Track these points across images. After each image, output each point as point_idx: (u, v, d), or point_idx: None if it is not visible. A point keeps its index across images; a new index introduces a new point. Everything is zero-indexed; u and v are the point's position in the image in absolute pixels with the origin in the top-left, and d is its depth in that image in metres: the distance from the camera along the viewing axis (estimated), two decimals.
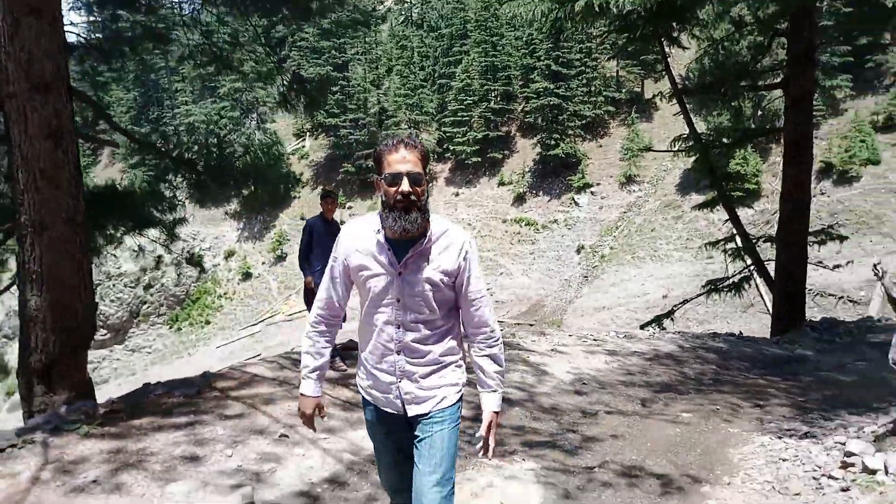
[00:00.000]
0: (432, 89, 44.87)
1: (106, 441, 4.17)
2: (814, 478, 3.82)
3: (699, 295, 13.25)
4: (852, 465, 3.77)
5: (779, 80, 11.01)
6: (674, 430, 4.97)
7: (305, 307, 6.52)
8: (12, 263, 7.38)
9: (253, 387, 5.32)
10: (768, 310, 16.54)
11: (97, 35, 6.53)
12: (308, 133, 49.58)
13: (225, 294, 42.32)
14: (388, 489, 2.74)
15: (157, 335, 41.47)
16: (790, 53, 10.08)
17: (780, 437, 4.62)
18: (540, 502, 3.69)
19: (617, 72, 40.04)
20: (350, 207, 43.28)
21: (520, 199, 38.17)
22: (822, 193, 28.63)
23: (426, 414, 2.48)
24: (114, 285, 40.17)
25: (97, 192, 6.96)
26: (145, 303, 41.19)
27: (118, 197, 7.01)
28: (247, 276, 42.56)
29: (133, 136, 7.56)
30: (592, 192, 36.55)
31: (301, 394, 2.60)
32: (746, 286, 13.06)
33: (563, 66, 37.66)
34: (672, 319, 12.91)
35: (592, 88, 38.94)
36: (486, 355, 2.52)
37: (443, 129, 42.04)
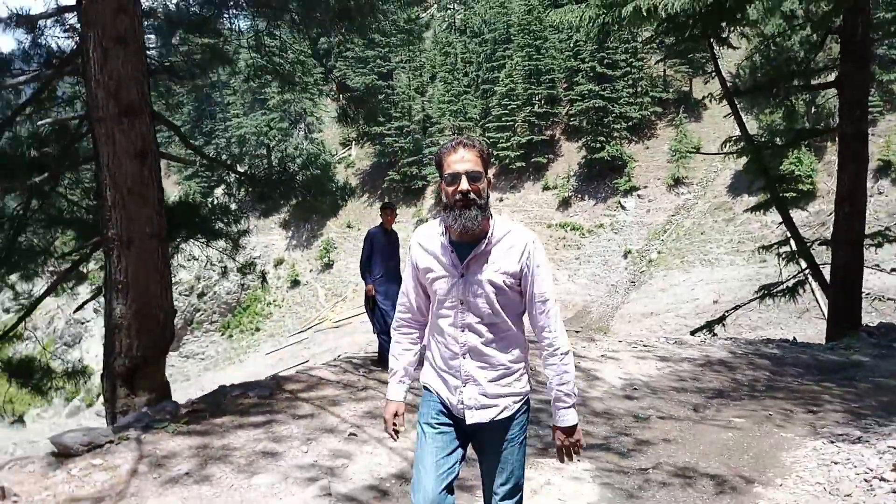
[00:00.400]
0: (476, 95, 45.09)
1: (192, 438, 4.51)
2: (865, 480, 3.87)
3: (752, 300, 13.04)
4: None
5: (833, 78, 10.82)
6: (726, 434, 5.03)
7: (367, 313, 6.81)
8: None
9: (319, 389, 5.62)
10: (824, 315, 16.13)
11: (170, 59, 6.98)
12: (354, 142, 50.38)
13: (274, 301, 43.26)
14: (426, 495, 2.43)
15: (209, 342, 42.63)
16: (843, 51, 9.90)
17: (832, 442, 4.65)
18: (596, 500, 3.83)
19: (664, 71, 39.46)
20: (396, 214, 43.75)
21: (565, 204, 37.99)
22: (880, 193, 27.84)
23: (486, 423, 2.45)
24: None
25: (172, 207, 7.39)
26: (199, 310, 42.45)
27: (191, 210, 7.48)
28: (295, 283, 43.44)
29: (205, 154, 8.03)
30: (639, 195, 36.11)
31: (386, 397, 2.60)
32: (801, 291, 12.79)
33: (608, 68, 37.38)
34: (724, 325, 12.74)
35: (639, 89, 38.50)
36: (549, 365, 2.47)
37: (487, 134, 42.14)
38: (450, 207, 2.37)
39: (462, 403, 2.45)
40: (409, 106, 45.81)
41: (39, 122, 6.50)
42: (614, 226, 35.69)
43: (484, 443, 2.53)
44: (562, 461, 2.54)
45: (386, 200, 7.62)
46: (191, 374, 39.75)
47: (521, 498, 2.56)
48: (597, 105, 37.19)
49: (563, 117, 41.45)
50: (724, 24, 10.29)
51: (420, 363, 2.63)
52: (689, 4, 8.36)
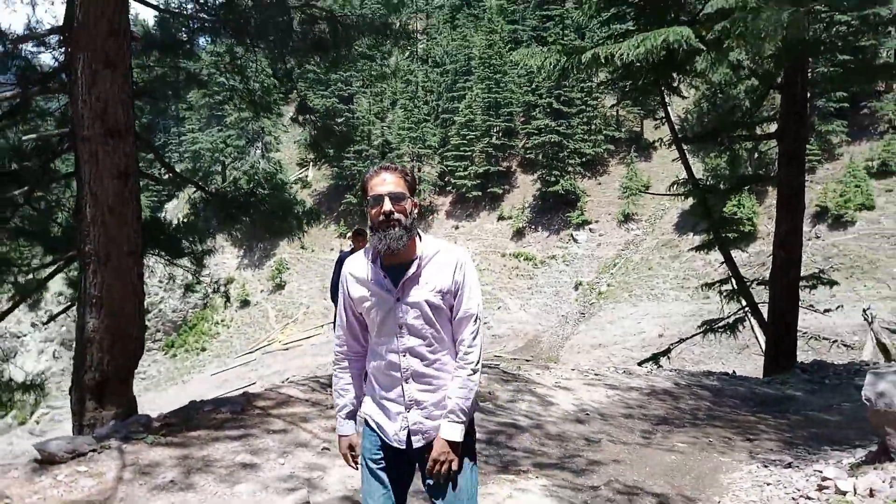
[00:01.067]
0: (435, 123, 45.80)
1: (172, 449, 4.65)
2: (793, 499, 4.24)
3: (695, 335, 13.65)
4: (827, 487, 4.21)
5: (774, 128, 11.61)
6: (670, 457, 5.41)
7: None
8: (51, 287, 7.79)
9: (289, 406, 5.80)
10: (762, 351, 16.94)
11: (148, 81, 7.10)
12: (312, 163, 50.27)
13: (222, 321, 42.33)
14: None
15: (152, 361, 41.27)
16: (784, 106, 10.68)
17: (766, 466, 5.05)
18: None
19: (617, 111, 41.00)
20: (349, 237, 43.67)
21: (519, 234, 38.75)
22: (817, 237, 29.08)
23: (431, 444, 2.42)
24: None
25: (144, 224, 7.47)
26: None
27: (159, 228, 7.52)
28: (245, 303, 42.71)
29: (179, 174, 8.13)
30: (591, 229, 37.15)
31: (337, 433, 2.58)
32: (741, 327, 13.46)
33: (564, 105, 38.59)
34: (669, 358, 13.28)
35: (593, 127, 39.86)
36: (456, 377, 2.41)
37: (445, 162, 42.83)
38: (374, 229, 2.39)
39: (406, 429, 2.42)
40: (369, 130, 46.11)
41: (24, 137, 6.52)
42: (566, 258, 36.53)
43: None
44: (434, 477, 2.40)
45: (357, 227, 7.92)
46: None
47: None
48: (552, 140, 38.26)
49: (519, 150, 42.46)
50: (674, 74, 10.99)
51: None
52: (644, 55, 8.93)
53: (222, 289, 12.44)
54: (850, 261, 27.58)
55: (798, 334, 11.66)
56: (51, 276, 6.92)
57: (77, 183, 5.65)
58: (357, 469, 2.55)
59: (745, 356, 23.87)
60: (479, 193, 40.98)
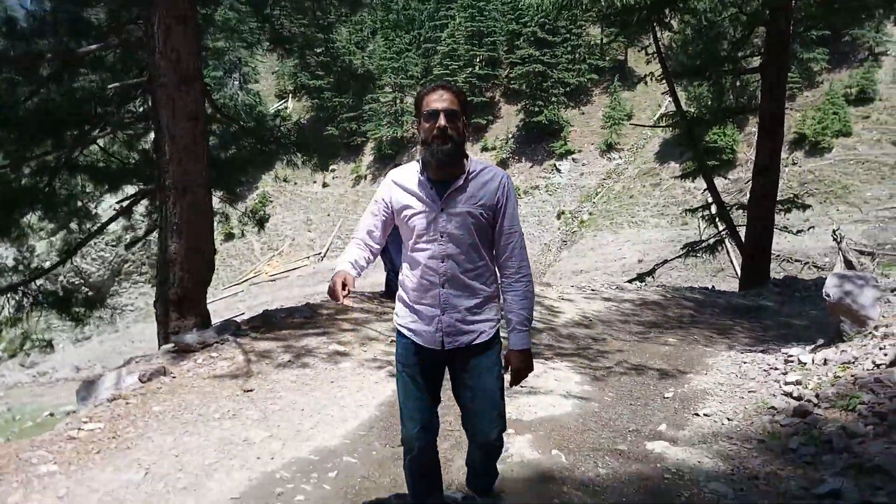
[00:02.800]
0: (417, 53, 45.08)
1: (274, 342, 5.67)
2: (764, 370, 5.27)
3: (678, 256, 14.48)
4: (791, 361, 5.24)
5: (757, 63, 12.06)
6: (664, 348, 6.50)
7: (382, 261, 8.05)
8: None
9: (348, 313, 6.79)
10: (737, 274, 17.91)
11: None
12: (291, 94, 49.53)
13: None
14: (410, 433, 2.65)
15: (139, 293, 41.59)
16: (767, 43, 11.11)
17: (742, 353, 6.14)
18: (580, 379, 5.27)
19: (601, 40, 40.72)
20: (333, 171, 43.60)
21: (503, 165, 38.97)
22: (794, 164, 29.57)
23: (465, 348, 2.59)
24: (95, 244, 40.29)
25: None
26: (127, 261, 41.35)
27: (218, 166, 8.25)
28: (229, 236, 42.93)
29: (230, 115, 8.91)
30: (574, 159, 37.55)
31: (335, 270, 2.56)
32: (719, 249, 14.34)
33: (549, 34, 38.21)
34: (654, 278, 14.15)
35: (577, 56, 39.61)
36: (514, 290, 2.59)
37: None
38: (427, 143, 2.47)
39: (440, 331, 2.57)
40: (350, 60, 45.27)
41: (110, 85, 7.20)
42: (549, 188, 37.07)
43: (461, 369, 2.66)
44: (513, 385, 2.64)
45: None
46: (119, 325, 38.95)
47: (505, 425, 2.70)
48: (536, 69, 38.04)
49: (503, 80, 42.15)
50: (667, 11, 11.33)
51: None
52: None
53: (256, 216, 13.30)
54: (825, 186, 28.29)
55: (772, 256, 12.51)
56: (133, 203, 7.65)
57: (154, 126, 6.37)
58: (341, 301, 2.52)
59: (720, 279, 25.00)
60: None
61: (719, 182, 16.62)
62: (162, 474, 3.54)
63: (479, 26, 40.81)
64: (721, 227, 13.87)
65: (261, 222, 11.57)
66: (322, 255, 39.43)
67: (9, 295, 7.34)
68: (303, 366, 5.16)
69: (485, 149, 40.13)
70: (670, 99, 13.32)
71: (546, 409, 4.50)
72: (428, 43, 44.49)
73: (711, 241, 13.96)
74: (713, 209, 13.74)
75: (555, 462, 3.66)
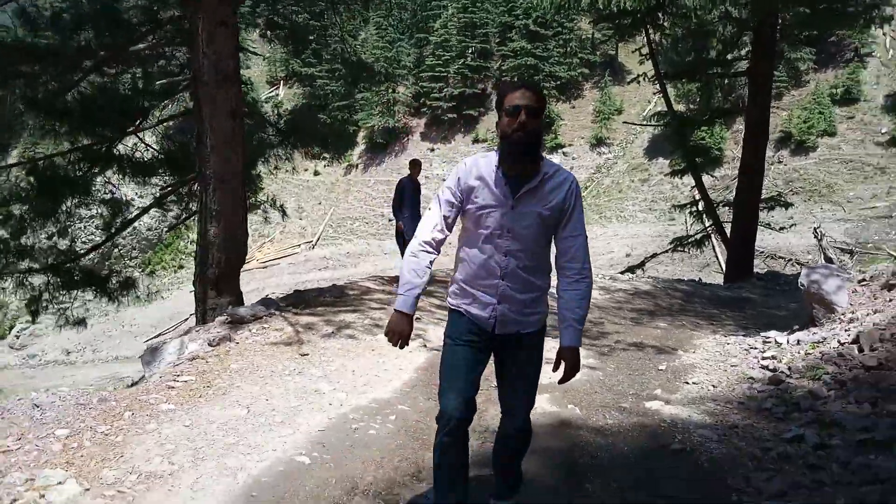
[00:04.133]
0: (410, 43, 45.28)
1: (314, 316, 6.29)
2: (744, 349, 6.11)
3: (666, 250, 15.25)
4: (769, 342, 6.10)
5: (744, 66, 12.78)
6: (656, 331, 7.35)
7: (398, 247, 8.85)
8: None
9: (373, 294, 7.43)
10: (722, 269, 18.72)
11: None
12: (282, 81, 49.54)
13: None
14: (450, 404, 2.66)
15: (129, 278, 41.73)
16: (755, 48, 11.83)
17: (726, 336, 7.00)
18: (585, 353, 5.84)
19: (592, 34, 41.19)
20: (325, 158, 43.77)
21: None
22: (780, 162, 30.17)
23: (513, 335, 2.70)
24: (84, 227, 40.34)
25: None
26: (117, 246, 41.43)
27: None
28: None
29: (260, 114, 9.57)
30: (564, 153, 38.11)
31: (396, 310, 2.62)
32: (706, 244, 15.12)
33: (540, 27, 38.62)
34: (644, 270, 14.90)
35: (568, 50, 40.09)
36: (574, 289, 2.64)
37: (420, 83, 42.68)
38: (507, 136, 2.53)
39: (494, 318, 2.67)
40: (342, 48, 45.38)
41: (157, 82, 7.76)
42: None
43: (508, 355, 2.77)
44: (562, 382, 2.71)
45: (414, 158, 9.60)
46: (109, 309, 39.09)
47: (533, 403, 2.85)
48: (528, 62, 38.53)
49: (495, 72, 42.47)
50: (660, 14, 12.00)
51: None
52: (639, 3, 9.97)
53: (278, 203, 13.99)
54: (810, 185, 28.94)
55: (756, 253, 13.29)
56: (173, 189, 8.23)
57: (196, 120, 6.93)
58: (399, 347, 2.65)
59: (705, 273, 25.80)
60: (455, 115, 41.20)
61: (706, 179, 17.38)
62: (260, 411, 4.32)
63: (471, 17, 41.10)
64: (708, 223, 14.65)
65: (283, 210, 12.20)
66: (313, 243, 39.72)
67: (50, 274, 7.93)
68: (345, 337, 5.86)
69: (476, 140, 40.50)
70: (660, 96, 14.03)
71: (558, 375, 5.19)
72: (420, 33, 44.69)
73: (698, 236, 14.74)
74: (700, 205, 14.49)
75: (571, 413, 4.50)
